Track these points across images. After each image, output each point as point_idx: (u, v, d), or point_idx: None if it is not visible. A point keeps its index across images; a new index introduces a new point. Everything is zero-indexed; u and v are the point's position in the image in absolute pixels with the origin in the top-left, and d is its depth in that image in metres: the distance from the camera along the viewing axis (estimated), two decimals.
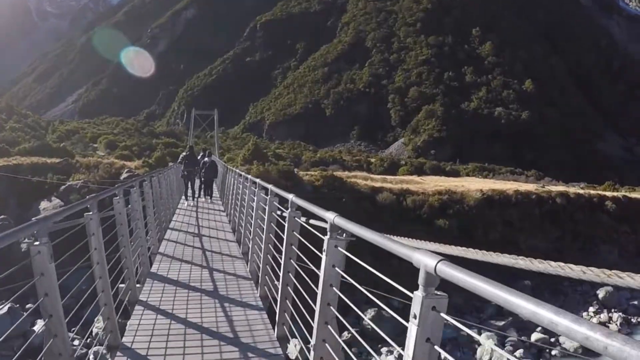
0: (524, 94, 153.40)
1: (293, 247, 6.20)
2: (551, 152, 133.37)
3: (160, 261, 11.20)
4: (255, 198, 10.00)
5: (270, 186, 8.44)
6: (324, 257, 4.27)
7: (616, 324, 27.34)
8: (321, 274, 4.38)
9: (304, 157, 79.71)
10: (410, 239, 4.15)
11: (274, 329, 6.92)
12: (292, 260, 6.28)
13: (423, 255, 2.61)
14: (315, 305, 4.60)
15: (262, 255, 8.35)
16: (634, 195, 48.12)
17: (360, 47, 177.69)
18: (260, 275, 8.63)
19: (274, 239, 8.03)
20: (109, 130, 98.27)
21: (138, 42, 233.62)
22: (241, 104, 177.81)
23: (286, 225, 6.30)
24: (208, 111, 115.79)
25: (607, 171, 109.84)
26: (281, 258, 6.51)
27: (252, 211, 10.40)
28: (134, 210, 9.32)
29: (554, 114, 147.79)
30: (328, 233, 4.32)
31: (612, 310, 29.06)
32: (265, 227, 8.32)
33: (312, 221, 5.44)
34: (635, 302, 30.55)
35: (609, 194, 45.34)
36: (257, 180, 10.49)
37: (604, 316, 28.09)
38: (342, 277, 4.40)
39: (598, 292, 30.30)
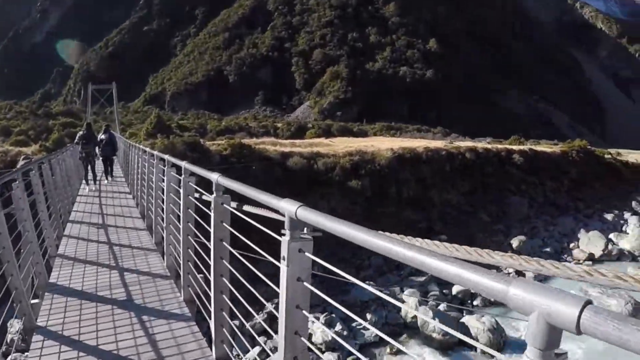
0: (428, 53, 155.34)
1: (224, 243, 4.86)
2: (456, 109, 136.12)
3: (60, 267, 8.92)
4: (165, 178, 8.23)
5: (183, 163, 6.72)
6: (283, 267, 3.00)
7: (531, 273, 27.25)
8: (281, 290, 3.04)
9: (209, 127, 77.21)
10: (420, 239, 3.17)
11: (210, 347, 5.36)
12: (224, 261, 4.90)
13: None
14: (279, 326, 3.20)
15: (181, 250, 6.89)
16: (539, 148, 49.27)
17: (261, 10, 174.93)
18: (182, 273, 7.03)
19: (194, 229, 6.55)
20: (1, 116, 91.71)
21: (28, 17, 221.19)
22: (141, 76, 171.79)
23: (212, 214, 4.90)
24: (106, 85, 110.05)
25: (511, 127, 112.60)
26: (209, 255, 5.06)
27: (163, 194, 8.70)
28: (18, 210, 7.29)
29: (458, 73, 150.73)
30: (287, 232, 3.02)
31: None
32: (181, 215, 6.80)
33: (252, 209, 4.45)
34: (547, 249, 31.07)
35: (515, 147, 45.95)
36: (166, 156, 8.45)
37: None
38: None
39: (512, 241, 30.66)
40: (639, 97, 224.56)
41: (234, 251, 4.68)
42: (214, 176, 4.65)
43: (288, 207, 2.85)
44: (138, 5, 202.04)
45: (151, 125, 46.70)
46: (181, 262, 6.93)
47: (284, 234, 2.93)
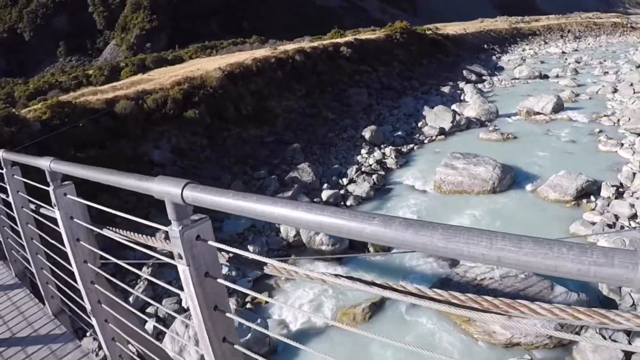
0: None
1: (83, 243, 4.10)
2: (266, 15, 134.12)
3: None
4: None
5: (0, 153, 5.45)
6: (182, 267, 2.48)
7: (392, 158, 27.52)
8: (189, 295, 2.55)
9: (17, 94, 69.87)
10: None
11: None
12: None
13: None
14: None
15: (30, 257, 5.74)
16: (363, 36, 49.02)
17: None
18: (38, 282, 5.83)
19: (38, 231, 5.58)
20: None
21: None
22: None
23: (56, 211, 4.09)
24: None
25: (326, 21, 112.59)
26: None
27: None
28: None
29: None
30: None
31: (381, 146, 29.18)
32: (17, 217, 5.72)
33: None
34: (399, 133, 31.17)
35: (340, 40, 45.36)
36: None
37: (377, 154, 27.97)
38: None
39: (363, 133, 30.17)
40: None
41: (102, 253, 3.92)
42: (45, 162, 3.88)
43: (168, 189, 2.31)
44: None
45: None
46: (33, 269, 5.75)
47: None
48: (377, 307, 16.32)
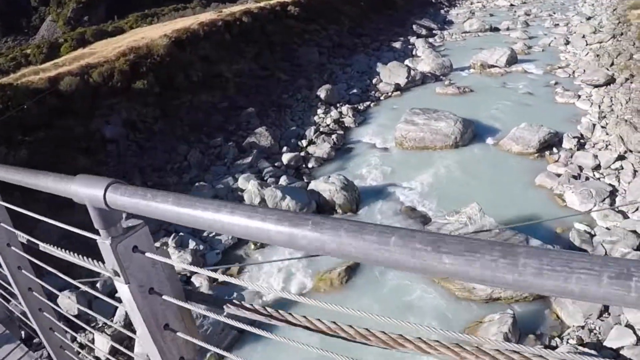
0: None
1: None
2: None
3: None
4: None
5: None
6: (120, 285, 2.01)
7: (350, 116, 27.26)
8: (134, 317, 2.09)
9: None
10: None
11: None
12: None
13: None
14: None
15: None
16: None
17: None
18: None
19: None
20: None
21: None
22: None
23: None
24: None
25: None
26: None
27: None
28: None
29: None
30: (102, 231, 2.01)
31: (337, 105, 28.77)
32: None
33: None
34: (355, 91, 30.80)
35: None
36: None
37: (334, 113, 27.63)
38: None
39: (318, 92, 29.65)
40: None
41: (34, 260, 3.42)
42: None
43: (88, 192, 1.84)
44: None
45: None
46: None
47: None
48: (352, 270, 16.03)
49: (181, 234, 17.67)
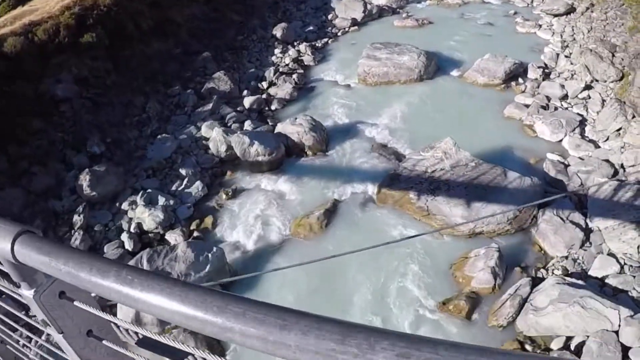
0: None
1: None
2: None
3: None
4: None
5: None
6: (55, 334, 1.86)
7: (308, 54, 26.63)
8: None
9: None
10: None
11: None
12: None
13: None
14: None
15: None
16: None
17: None
18: None
19: None
20: None
21: None
22: None
23: None
24: None
25: None
26: None
27: None
28: None
29: None
30: (23, 284, 1.81)
31: (295, 43, 28.13)
32: None
33: None
34: (311, 28, 30.10)
35: None
36: None
37: (292, 52, 26.90)
38: None
39: (274, 32, 28.85)
40: None
41: None
42: None
43: None
44: None
45: None
46: None
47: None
48: (331, 212, 15.92)
49: (149, 190, 17.24)
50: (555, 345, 11.45)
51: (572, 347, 11.20)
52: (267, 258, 14.81)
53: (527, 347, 11.58)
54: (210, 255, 13.91)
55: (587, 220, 13.78)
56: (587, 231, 13.59)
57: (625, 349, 10.64)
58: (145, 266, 13.25)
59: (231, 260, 14.68)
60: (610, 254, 12.74)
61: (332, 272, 13.76)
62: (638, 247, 12.46)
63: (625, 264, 12.39)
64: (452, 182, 15.30)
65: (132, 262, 13.61)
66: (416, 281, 13.36)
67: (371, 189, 16.61)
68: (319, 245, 14.89)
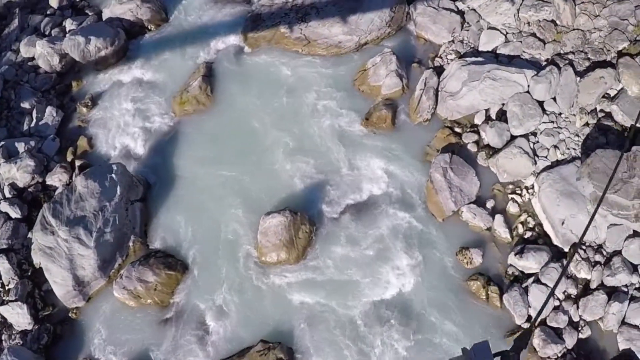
0: None
1: None
2: None
3: None
4: None
5: None
6: None
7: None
8: None
9: None
10: None
11: None
12: None
13: None
14: None
15: None
16: None
17: None
18: None
19: None
20: None
21: None
22: None
23: None
24: None
25: None
26: None
27: None
28: None
29: None
30: None
31: None
32: None
33: None
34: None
35: None
36: None
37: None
38: None
39: None
40: None
41: None
42: None
43: None
44: None
45: None
46: None
47: None
48: (209, 77, 15.21)
49: (1, 143, 14.86)
50: (478, 119, 12.47)
51: (494, 116, 12.15)
52: (168, 152, 14.01)
53: (457, 129, 12.37)
54: (113, 175, 12.84)
55: (459, 3, 14.35)
56: (462, 13, 14.21)
57: (540, 104, 11.74)
58: (55, 223, 12.00)
59: (134, 172, 13.75)
60: (492, 28, 13.56)
61: (246, 123, 13.58)
62: (514, 16, 13.28)
63: (507, 32, 13.31)
64: (319, 3, 15.12)
65: (36, 228, 12.23)
66: (329, 107, 13.50)
67: (237, 38, 15.85)
68: (215, 113, 14.33)
